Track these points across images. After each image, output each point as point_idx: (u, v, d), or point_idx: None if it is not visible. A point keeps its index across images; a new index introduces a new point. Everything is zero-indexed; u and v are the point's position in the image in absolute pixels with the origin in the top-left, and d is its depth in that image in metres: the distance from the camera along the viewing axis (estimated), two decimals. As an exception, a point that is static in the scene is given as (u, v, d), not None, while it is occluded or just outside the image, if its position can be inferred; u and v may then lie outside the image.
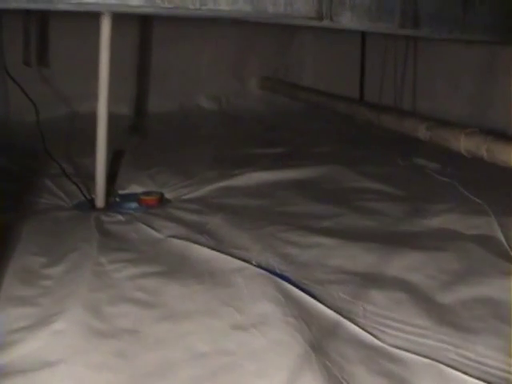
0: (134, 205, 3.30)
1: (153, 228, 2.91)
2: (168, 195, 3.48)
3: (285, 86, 5.97)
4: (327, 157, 4.29)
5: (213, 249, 2.65)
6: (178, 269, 2.47)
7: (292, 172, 3.88)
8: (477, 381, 1.81)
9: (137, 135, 4.77)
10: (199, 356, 1.89)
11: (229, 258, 2.55)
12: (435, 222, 3.09)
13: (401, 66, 5.56)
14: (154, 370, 1.83)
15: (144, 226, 2.93)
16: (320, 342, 1.95)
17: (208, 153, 4.34)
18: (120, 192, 3.49)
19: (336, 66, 6.18)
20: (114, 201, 3.34)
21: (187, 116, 5.56)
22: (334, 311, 2.16)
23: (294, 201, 3.38)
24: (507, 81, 4.55)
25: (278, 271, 2.48)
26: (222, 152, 4.40)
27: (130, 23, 5.32)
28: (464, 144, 3.43)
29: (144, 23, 5.50)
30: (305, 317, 2.08)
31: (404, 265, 2.58)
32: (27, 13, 4.79)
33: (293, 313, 2.09)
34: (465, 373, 1.85)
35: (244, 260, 2.53)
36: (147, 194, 3.41)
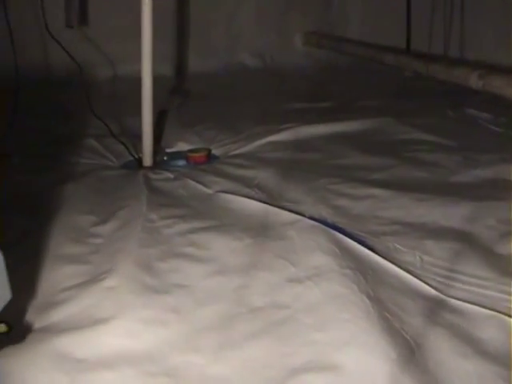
0: (181, 162, 3.28)
1: (201, 184, 2.87)
2: (215, 151, 3.43)
3: (330, 41, 5.85)
4: (376, 110, 4.20)
5: (263, 202, 2.62)
6: (228, 223, 2.44)
7: (341, 125, 3.80)
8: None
9: (180, 95, 4.72)
10: (254, 310, 1.86)
11: (280, 210, 2.51)
12: (489, 172, 3.01)
13: (448, 14, 5.42)
14: (208, 325, 1.80)
15: (193, 182, 2.90)
16: (378, 294, 1.90)
17: (254, 109, 4.28)
18: (167, 150, 3.45)
19: (381, 16, 6.03)
20: (161, 159, 3.31)
21: (231, 74, 5.47)
22: (391, 262, 2.11)
23: (345, 154, 3.31)
24: None
25: (332, 223, 2.43)
26: (268, 108, 4.32)
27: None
28: (519, 91, 3.33)
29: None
30: (361, 268, 2.03)
31: (460, 215, 2.52)
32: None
33: (349, 264, 2.04)
34: (527, 323, 1.80)
35: (296, 213, 2.48)
36: (194, 150, 3.37)
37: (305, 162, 3.19)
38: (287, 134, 3.63)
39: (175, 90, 4.90)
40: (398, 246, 2.27)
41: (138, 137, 3.26)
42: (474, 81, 3.72)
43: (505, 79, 3.47)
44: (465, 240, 2.32)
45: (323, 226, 2.32)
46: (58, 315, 1.85)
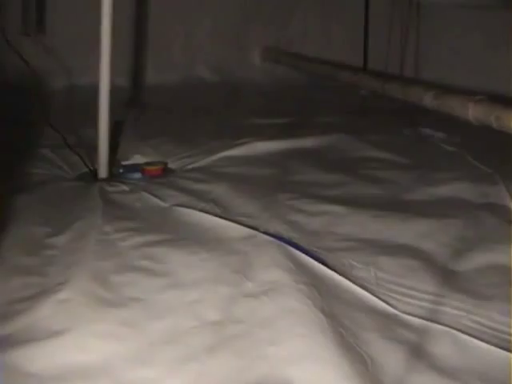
0: (137, 175, 3.25)
1: (157, 197, 2.86)
2: (172, 165, 3.42)
3: (288, 57, 5.88)
4: (332, 126, 4.22)
5: (219, 217, 2.61)
6: (184, 237, 2.42)
7: (297, 141, 3.82)
8: (492, 347, 1.78)
9: (136, 107, 4.69)
10: (209, 324, 1.84)
11: (236, 225, 2.50)
12: (443, 190, 3.05)
13: (404, 34, 5.51)
14: (162, 339, 1.78)
15: (148, 195, 2.88)
16: (332, 310, 1.90)
17: (211, 123, 4.29)
18: (123, 163, 3.43)
19: (339, 34, 6.10)
20: (117, 171, 3.28)
21: (189, 88, 5.46)
22: (346, 278, 2.12)
23: (300, 169, 3.33)
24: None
25: (287, 239, 2.43)
26: (225, 122, 4.34)
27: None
28: (472, 112, 3.37)
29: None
30: (316, 284, 2.04)
31: (415, 232, 2.54)
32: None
33: (304, 280, 2.04)
34: (481, 339, 1.81)
35: (252, 227, 2.48)
36: (150, 163, 3.35)
37: (261, 178, 3.20)
38: (244, 148, 3.64)
39: (132, 102, 4.87)
40: (352, 262, 2.28)
41: (93, 148, 3.21)
42: (429, 100, 3.77)
43: (459, 100, 3.52)
44: (419, 257, 2.34)
45: (278, 242, 2.33)
46: (9, 327, 1.81)
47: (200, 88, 5.55)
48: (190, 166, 3.40)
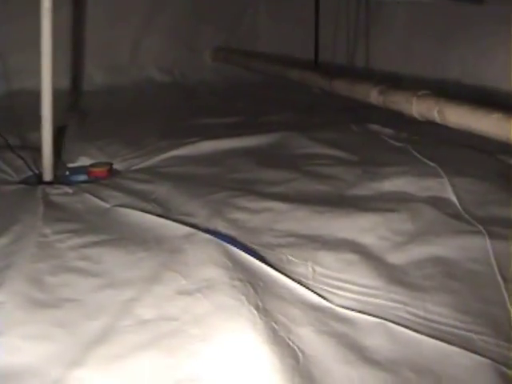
0: (82, 177, 3.24)
1: (99, 198, 2.85)
2: (118, 166, 3.41)
3: (238, 56, 5.89)
4: (280, 125, 4.23)
5: (159, 216, 2.61)
6: (123, 237, 2.42)
7: (244, 140, 3.82)
8: (426, 338, 1.81)
9: (82, 110, 4.65)
10: (143, 322, 1.85)
11: (175, 224, 2.50)
12: (387, 185, 3.05)
13: (354, 26, 5.56)
14: (96, 338, 1.78)
15: (91, 197, 2.87)
16: (267, 305, 1.91)
17: (160, 124, 4.27)
18: (69, 165, 3.41)
19: (290, 30, 6.13)
20: (62, 174, 3.26)
21: (139, 89, 5.44)
22: (283, 274, 2.13)
23: (246, 168, 3.33)
24: (462, 38, 4.59)
25: (225, 236, 2.43)
26: (174, 123, 4.32)
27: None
28: (416, 107, 3.41)
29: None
30: (252, 280, 2.05)
31: (355, 227, 2.55)
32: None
33: (239, 276, 2.05)
34: (414, 330, 1.85)
35: (191, 226, 2.48)
36: (96, 165, 3.34)
37: (205, 176, 3.20)
38: (190, 148, 3.63)
39: (77, 105, 4.83)
40: (291, 257, 2.29)
41: (38, 151, 3.19)
42: (375, 97, 3.79)
43: (403, 95, 3.54)
44: (358, 251, 2.36)
45: (217, 239, 2.32)
46: None
47: (150, 89, 5.53)
48: (135, 167, 3.39)
